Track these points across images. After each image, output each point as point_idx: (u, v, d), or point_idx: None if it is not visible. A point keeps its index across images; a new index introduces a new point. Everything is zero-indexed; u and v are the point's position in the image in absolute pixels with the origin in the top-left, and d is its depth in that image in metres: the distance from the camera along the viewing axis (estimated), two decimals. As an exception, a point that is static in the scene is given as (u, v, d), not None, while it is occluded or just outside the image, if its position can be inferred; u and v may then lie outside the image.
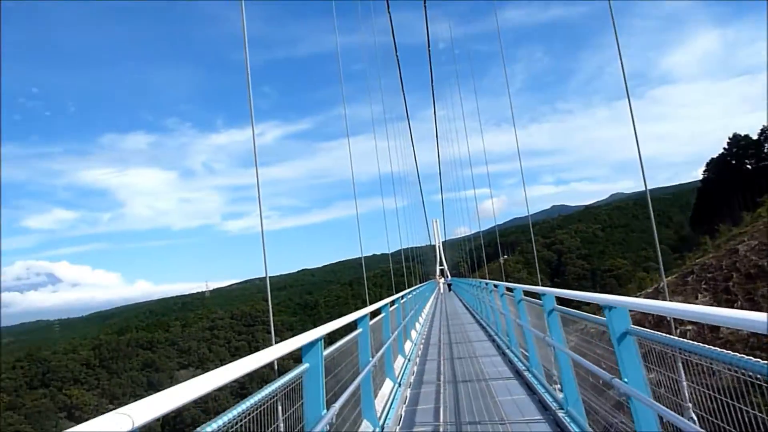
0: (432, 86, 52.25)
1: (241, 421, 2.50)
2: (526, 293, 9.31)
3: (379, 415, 6.68)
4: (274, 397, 3.19)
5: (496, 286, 14.88)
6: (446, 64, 55.02)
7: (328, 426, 3.89)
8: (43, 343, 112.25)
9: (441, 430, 6.83)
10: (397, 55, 40.36)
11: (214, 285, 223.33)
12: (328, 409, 4.20)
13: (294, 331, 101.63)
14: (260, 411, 2.84)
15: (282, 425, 3.30)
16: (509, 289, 11.64)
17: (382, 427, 6.51)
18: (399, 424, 7.11)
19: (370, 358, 6.73)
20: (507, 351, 11.98)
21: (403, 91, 45.25)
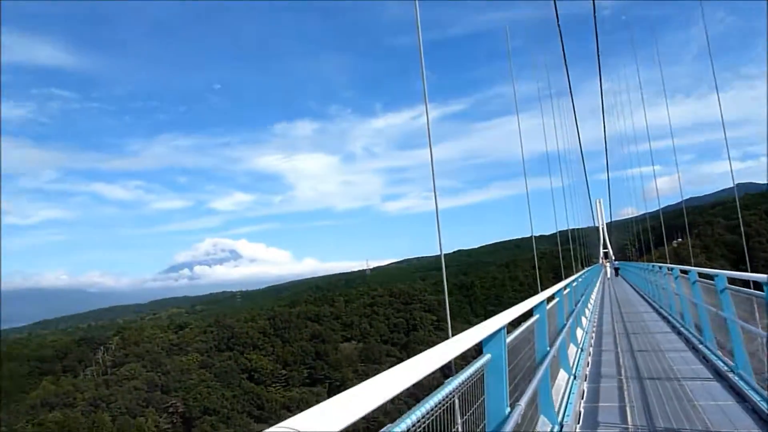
0: (598, 57, 48.46)
1: (427, 420, 2.22)
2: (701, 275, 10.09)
3: (555, 410, 6.11)
4: (456, 392, 2.88)
5: (671, 269, 15.38)
6: (612, 33, 50.73)
7: (513, 427, 3.46)
8: (228, 310, 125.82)
9: None
10: (558, 25, 37.93)
11: (374, 264, 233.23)
12: (511, 405, 3.85)
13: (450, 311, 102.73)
14: (444, 408, 2.52)
15: (460, 426, 2.95)
16: (683, 272, 12.40)
17: (561, 425, 5.95)
18: (579, 423, 6.51)
19: (548, 348, 6.27)
20: (700, 346, 10.63)
21: (565, 64, 42.54)
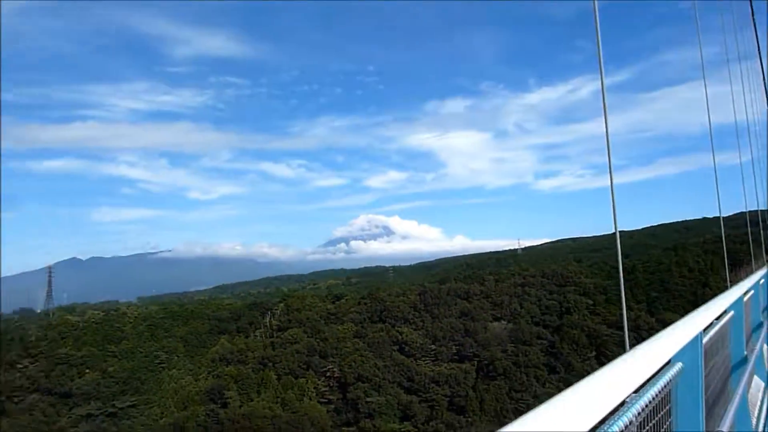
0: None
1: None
2: None
3: (753, 426, 5.18)
4: (641, 413, 2.25)
5: None
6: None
7: (754, 376, 2.73)
8: (381, 284, 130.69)
9: None
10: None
11: (526, 243, 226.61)
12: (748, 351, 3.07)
13: (607, 295, 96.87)
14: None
15: None
16: None
17: None
18: None
19: (744, 352, 5.37)
20: None
21: (753, 20, 37.18)
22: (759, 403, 5.86)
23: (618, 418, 1.98)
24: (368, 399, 77.98)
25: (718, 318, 4.57)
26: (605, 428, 1.86)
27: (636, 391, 2.27)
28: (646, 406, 2.28)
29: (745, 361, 4.97)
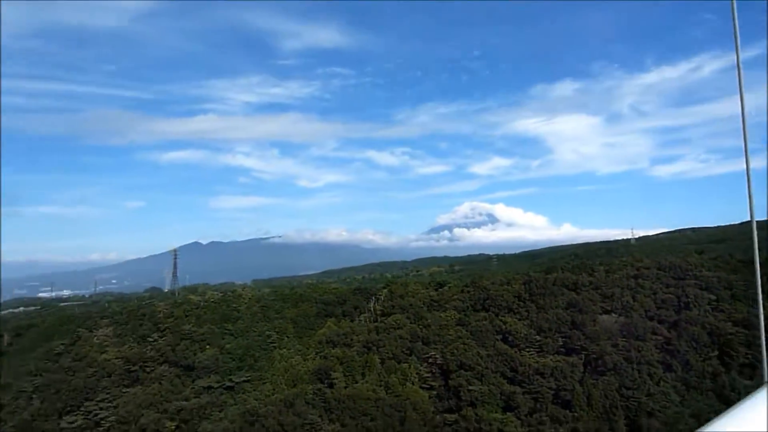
0: None
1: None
2: None
3: None
4: None
5: None
6: None
7: None
8: (484, 272, 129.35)
9: None
10: None
11: (640, 233, 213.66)
12: None
13: (732, 290, 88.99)
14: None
15: None
16: None
17: None
18: None
19: None
20: None
21: None
22: None
23: None
24: (470, 387, 77.68)
25: None
26: None
27: None
28: None
29: None
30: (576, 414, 74.53)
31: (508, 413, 75.70)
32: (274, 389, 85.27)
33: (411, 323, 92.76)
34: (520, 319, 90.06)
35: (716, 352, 79.69)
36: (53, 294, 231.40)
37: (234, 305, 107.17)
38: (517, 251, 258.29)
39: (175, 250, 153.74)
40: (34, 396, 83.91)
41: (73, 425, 78.57)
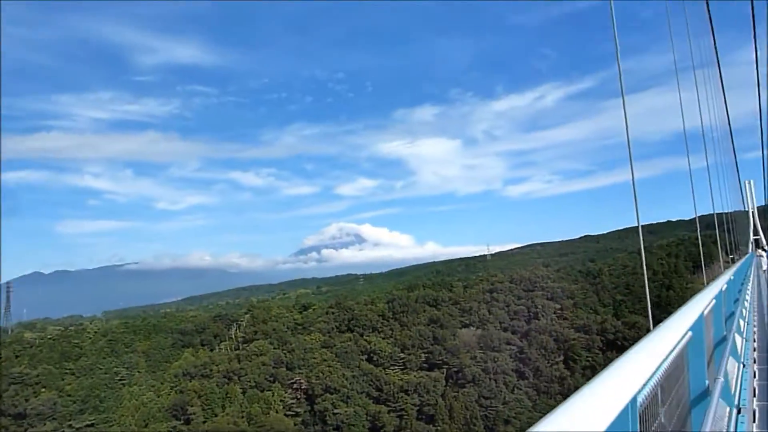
0: (753, 17, 42.33)
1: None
2: None
3: (732, 392, 6.14)
4: (670, 368, 3.11)
5: None
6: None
7: (717, 400, 3.52)
8: (348, 293, 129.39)
9: None
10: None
11: (495, 248, 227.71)
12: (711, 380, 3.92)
13: (574, 299, 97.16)
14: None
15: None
16: None
17: (739, 408, 5.87)
18: (755, 404, 6.46)
19: (723, 332, 6.56)
20: None
21: (712, 28, 37.49)
22: (736, 376, 7.02)
23: (656, 371, 2.77)
24: (336, 410, 76.45)
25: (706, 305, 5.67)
26: (656, 374, 2.64)
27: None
28: (672, 361, 3.19)
29: (725, 339, 6.34)
30: (439, 428, 76.16)
31: (374, 434, 75.47)
32: (122, 432, 77.61)
33: (274, 348, 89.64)
34: (384, 338, 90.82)
35: (562, 357, 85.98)
36: None
37: (76, 341, 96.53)
38: (385, 270, 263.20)
39: (8, 283, 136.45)
40: None
41: None
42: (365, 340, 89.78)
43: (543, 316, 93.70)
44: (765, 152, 60.87)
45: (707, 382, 5.18)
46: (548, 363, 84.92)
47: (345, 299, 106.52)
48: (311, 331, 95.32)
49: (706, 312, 6.52)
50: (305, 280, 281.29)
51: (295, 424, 77.75)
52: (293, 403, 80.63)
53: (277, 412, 78.31)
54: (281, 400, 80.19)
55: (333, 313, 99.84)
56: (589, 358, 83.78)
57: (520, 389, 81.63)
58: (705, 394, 4.92)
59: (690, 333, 5.12)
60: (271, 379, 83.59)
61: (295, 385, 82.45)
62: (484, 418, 77.22)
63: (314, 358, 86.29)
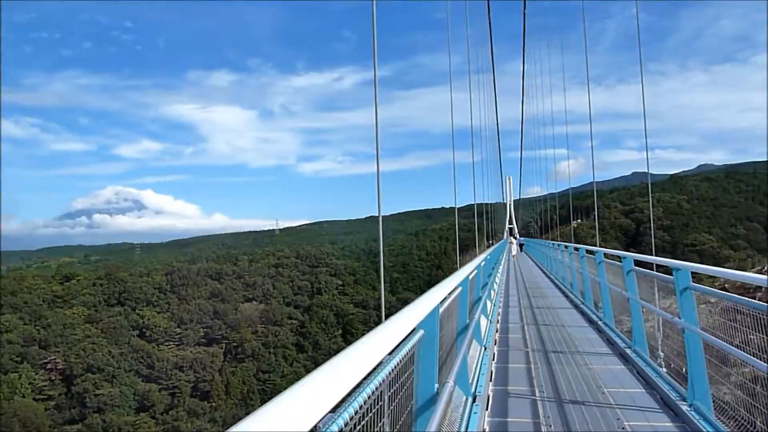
0: (524, 38, 48.56)
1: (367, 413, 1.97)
2: (606, 256, 11.24)
3: (470, 381, 5.98)
4: (393, 372, 2.58)
5: (576, 248, 16.00)
6: (536, 16, 51.25)
7: (444, 407, 3.03)
8: (122, 264, 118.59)
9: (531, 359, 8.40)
10: (488, 2, 37.12)
11: (284, 224, 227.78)
12: (441, 384, 3.53)
13: (355, 276, 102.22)
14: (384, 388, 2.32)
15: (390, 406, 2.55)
16: (590, 252, 13.27)
17: (474, 396, 5.74)
18: (490, 388, 6.83)
19: (467, 320, 6.53)
20: (580, 304, 14.26)
21: (491, 40, 42.01)
22: (476, 361, 7.08)
23: (375, 375, 2.27)
24: (98, 391, 69.67)
25: (450, 293, 5.07)
26: (365, 384, 2.13)
27: (390, 353, 2.57)
28: (397, 365, 2.71)
29: (467, 327, 5.83)
30: (214, 404, 74.23)
31: (142, 414, 70.59)
32: None
33: (25, 324, 78.24)
34: (159, 312, 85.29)
35: (340, 331, 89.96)
36: None
37: None
38: (166, 240, 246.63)
39: None
40: None
41: None
42: (137, 315, 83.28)
43: (326, 291, 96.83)
44: (522, 153, 70.29)
45: (468, 321, 5.79)
46: (327, 336, 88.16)
47: (117, 270, 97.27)
48: (73, 304, 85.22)
49: (470, 277, 7.32)
50: (71, 248, 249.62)
51: (46, 409, 68.97)
52: (45, 386, 71.43)
53: (23, 396, 68.60)
54: (30, 383, 70.46)
55: (102, 284, 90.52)
56: (365, 331, 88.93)
57: (299, 362, 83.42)
58: (466, 328, 5.47)
59: (460, 288, 5.54)
60: (19, 359, 72.92)
61: (49, 366, 73.07)
62: (261, 391, 77.29)
63: (75, 334, 77.42)
